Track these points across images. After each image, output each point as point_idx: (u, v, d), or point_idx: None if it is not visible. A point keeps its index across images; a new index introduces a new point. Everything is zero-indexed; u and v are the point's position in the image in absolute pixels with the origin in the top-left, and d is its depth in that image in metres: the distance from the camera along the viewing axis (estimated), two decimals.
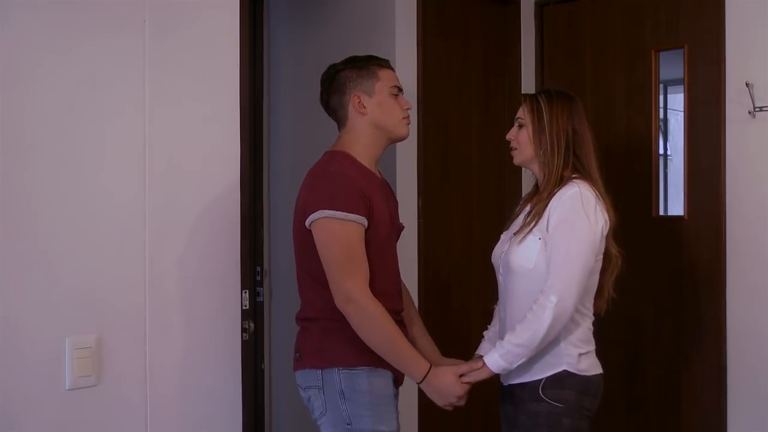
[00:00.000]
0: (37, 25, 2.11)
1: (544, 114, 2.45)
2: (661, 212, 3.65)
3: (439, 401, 2.38)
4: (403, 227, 2.56)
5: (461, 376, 2.36)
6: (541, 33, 3.89)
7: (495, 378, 2.49)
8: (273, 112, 3.85)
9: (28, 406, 2.09)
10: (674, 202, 3.82)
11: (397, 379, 2.41)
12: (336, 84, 2.43)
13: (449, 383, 2.34)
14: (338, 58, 2.49)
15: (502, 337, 2.38)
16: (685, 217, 3.44)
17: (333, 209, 2.25)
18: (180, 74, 2.40)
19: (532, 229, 2.39)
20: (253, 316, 2.75)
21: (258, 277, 3.57)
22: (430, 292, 3.42)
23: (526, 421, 2.39)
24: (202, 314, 2.45)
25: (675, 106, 3.91)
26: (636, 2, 3.59)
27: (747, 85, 3.16)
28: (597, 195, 2.39)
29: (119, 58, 2.26)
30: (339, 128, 2.47)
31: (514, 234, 2.47)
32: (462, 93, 3.66)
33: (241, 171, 2.55)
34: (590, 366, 2.42)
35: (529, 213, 2.45)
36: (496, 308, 2.59)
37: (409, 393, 3.10)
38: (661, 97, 3.67)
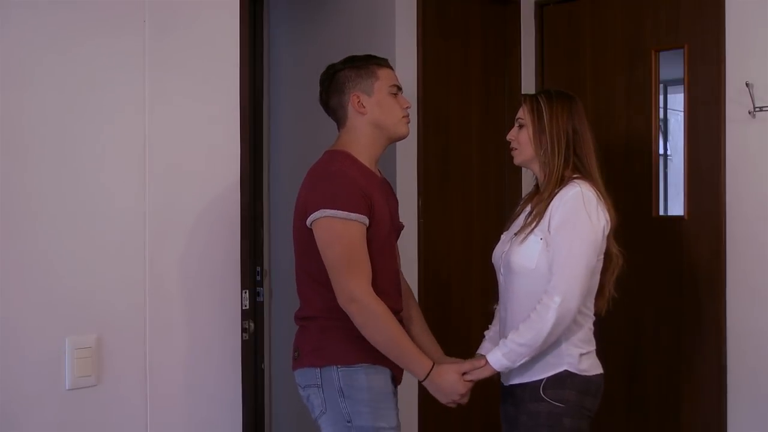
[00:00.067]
0: (37, 25, 2.11)
1: (545, 114, 2.45)
2: (661, 212, 3.65)
3: (443, 399, 2.39)
4: (403, 226, 2.56)
5: (464, 374, 2.37)
6: (541, 33, 3.89)
7: (495, 377, 2.49)
8: (273, 112, 3.85)
9: (28, 406, 2.09)
10: (674, 202, 3.82)
11: (395, 377, 2.41)
12: (335, 84, 2.43)
13: (452, 381, 2.35)
14: (338, 58, 2.49)
15: (504, 337, 2.39)
16: (685, 217, 3.44)
17: (335, 208, 2.25)
18: (180, 74, 2.40)
19: (533, 229, 2.39)
20: (253, 316, 2.75)
21: (258, 277, 3.57)
22: (430, 292, 3.42)
23: (527, 421, 2.39)
24: (202, 314, 2.45)
25: (675, 106, 3.91)
26: (636, 2, 3.59)
27: (747, 85, 3.16)
28: (598, 195, 2.39)
29: (119, 58, 2.26)
30: (339, 128, 2.47)
31: (515, 234, 2.47)
32: (462, 93, 3.66)
33: (241, 171, 2.55)
34: (591, 366, 2.42)
35: (530, 213, 2.46)
36: (497, 308, 2.59)
37: (409, 391, 3.11)
38: (661, 97, 3.67)
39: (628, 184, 3.55)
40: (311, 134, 3.46)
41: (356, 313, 2.27)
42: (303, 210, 2.33)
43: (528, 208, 2.50)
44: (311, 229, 2.30)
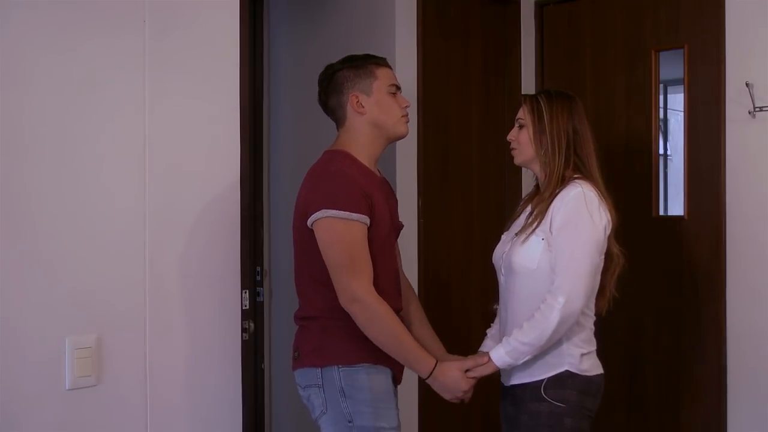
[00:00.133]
0: (37, 25, 2.11)
1: (545, 114, 2.45)
2: (661, 212, 3.65)
3: (446, 395, 2.40)
4: (403, 226, 2.56)
5: (467, 371, 2.37)
6: (541, 33, 3.89)
7: (496, 377, 2.50)
8: (273, 112, 3.85)
9: (28, 406, 2.09)
10: (674, 202, 3.81)
11: (396, 377, 2.42)
12: (334, 84, 2.43)
13: (455, 378, 2.36)
14: (338, 58, 2.49)
15: (505, 336, 2.39)
16: (685, 217, 3.44)
17: (336, 209, 2.25)
18: (180, 74, 2.40)
19: (534, 229, 2.39)
20: (253, 316, 2.75)
21: (258, 277, 3.57)
22: (430, 292, 3.41)
23: (528, 420, 2.39)
24: (202, 314, 2.45)
25: (675, 106, 3.91)
26: (636, 2, 3.59)
27: (747, 85, 3.16)
28: (599, 195, 2.40)
29: (119, 58, 2.26)
30: (338, 128, 2.47)
31: (516, 234, 2.47)
32: (462, 93, 3.66)
33: (241, 171, 2.55)
34: (592, 366, 2.42)
35: (531, 213, 2.46)
36: (497, 308, 2.59)
37: (409, 390, 3.11)
38: (661, 97, 3.66)
39: (628, 184, 3.55)
40: (311, 134, 3.46)
41: (359, 313, 2.27)
42: (303, 210, 2.32)
43: (528, 209, 2.50)
44: (312, 230, 2.30)
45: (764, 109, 3.15)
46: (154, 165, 2.33)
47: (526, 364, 2.37)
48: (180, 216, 2.40)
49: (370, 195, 2.32)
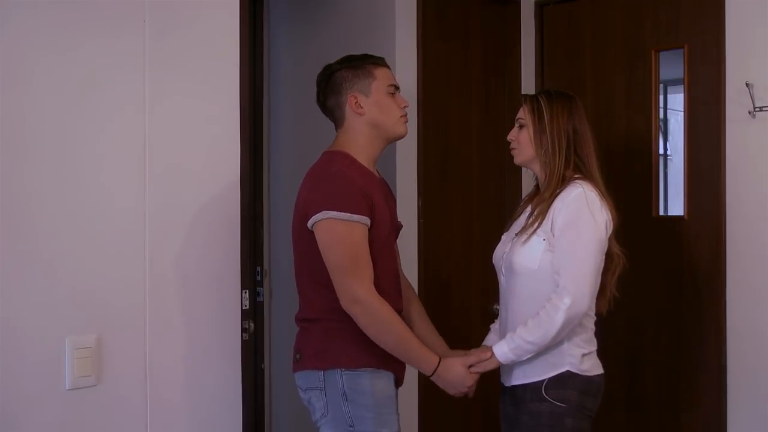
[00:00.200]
0: (37, 25, 2.11)
1: (545, 114, 2.45)
2: (661, 212, 3.65)
3: (451, 391, 2.41)
4: (402, 226, 2.56)
5: (470, 366, 2.38)
6: (541, 33, 3.89)
7: (496, 377, 2.50)
8: (273, 112, 3.84)
9: (28, 406, 2.09)
10: (674, 202, 3.82)
11: (398, 380, 2.42)
12: (332, 84, 2.42)
13: (459, 375, 2.36)
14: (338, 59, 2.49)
15: (505, 334, 2.39)
16: (685, 217, 3.44)
17: (336, 210, 2.25)
18: (180, 74, 2.40)
19: (536, 230, 2.39)
20: (253, 316, 2.75)
21: (258, 277, 3.57)
22: (430, 292, 3.41)
23: (529, 421, 2.39)
24: (202, 314, 2.45)
25: (675, 106, 3.91)
26: (636, 2, 3.59)
27: (747, 85, 3.16)
28: (600, 195, 2.40)
29: (119, 58, 2.26)
30: (336, 128, 2.46)
31: (516, 235, 2.47)
32: (462, 93, 3.66)
33: (241, 171, 2.55)
34: (592, 366, 2.42)
35: (531, 214, 2.46)
36: (498, 308, 2.60)
37: (409, 392, 3.11)
38: (661, 97, 3.67)
39: (628, 184, 3.55)
40: (311, 134, 3.45)
41: (360, 315, 2.26)
42: (304, 212, 2.31)
43: (529, 209, 2.50)
44: (312, 231, 2.29)
45: (764, 109, 3.15)
46: (154, 165, 2.33)
47: (527, 365, 2.38)
48: (180, 216, 2.40)
49: (371, 196, 2.31)
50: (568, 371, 2.37)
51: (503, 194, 3.80)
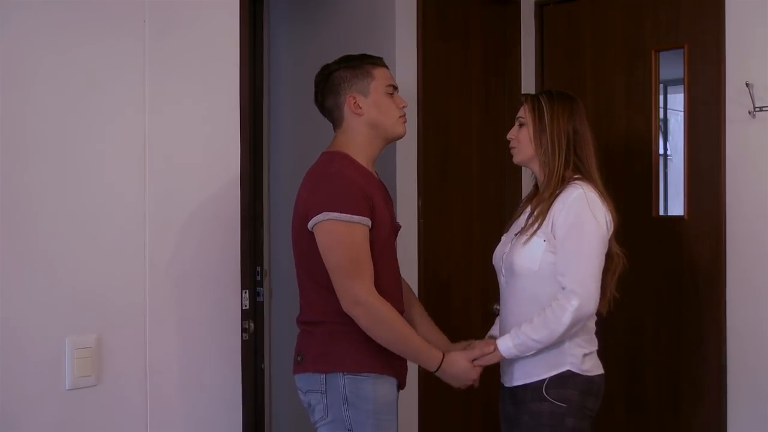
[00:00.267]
0: (38, 26, 2.11)
1: (546, 114, 2.45)
2: (661, 212, 3.65)
3: (455, 384, 2.42)
4: (400, 226, 2.55)
5: (473, 360, 2.38)
6: (541, 33, 3.89)
7: (496, 377, 2.50)
8: (273, 112, 3.85)
9: (28, 406, 2.09)
10: (674, 202, 3.82)
11: (401, 385, 2.41)
12: (330, 85, 2.41)
13: (464, 369, 2.37)
14: None
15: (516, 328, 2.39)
16: (685, 217, 3.44)
17: (337, 211, 2.23)
18: (180, 74, 2.40)
19: (536, 231, 2.39)
20: (253, 316, 2.75)
21: (258, 277, 3.57)
22: (430, 292, 3.41)
23: (529, 420, 2.39)
24: (202, 314, 2.45)
25: (675, 106, 3.91)
26: (636, 2, 3.59)
27: (747, 85, 3.16)
28: (600, 195, 2.40)
29: (119, 58, 2.26)
30: (334, 128, 2.45)
31: (516, 235, 2.47)
32: (462, 93, 3.66)
33: (240, 171, 2.55)
34: (593, 366, 2.42)
35: (531, 214, 2.46)
36: (497, 308, 2.60)
37: (409, 394, 3.10)
38: (661, 97, 3.66)
39: (628, 184, 3.55)
40: (311, 134, 3.45)
41: (362, 316, 2.25)
42: (304, 213, 2.30)
43: (528, 209, 2.50)
44: (312, 232, 2.28)
45: (764, 109, 3.15)
46: (154, 164, 2.33)
47: (528, 365, 2.38)
48: (180, 216, 2.40)
49: (371, 196, 2.30)
50: (569, 371, 2.37)
51: (503, 194, 3.80)
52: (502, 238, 2.58)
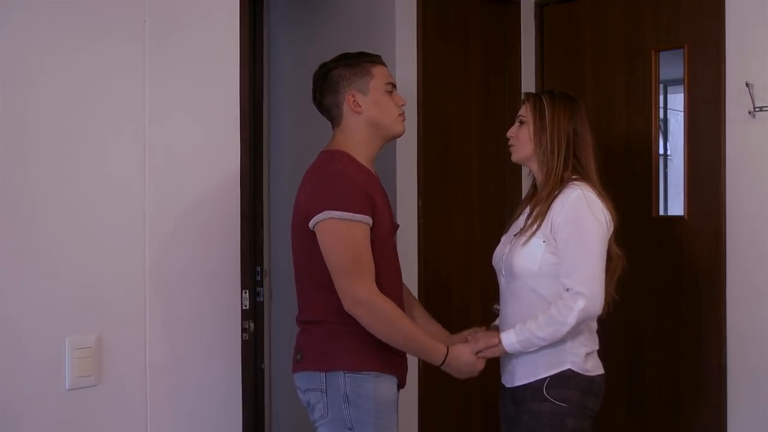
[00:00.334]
0: (38, 26, 2.11)
1: (546, 113, 2.45)
2: (661, 212, 3.65)
3: (460, 376, 2.42)
4: (398, 226, 2.55)
5: (477, 352, 2.39)
6: (541, 33, 3.89)
7: (496, 377, 2.50)
8: (273, 112, 3.85)
9: (28, 406, 2.09)
10: (674, 202, 3.82)
11: (401, 383, 2.41)
12: (329, 83, 2.40)
13: (469, 361, 2.38)
14: None
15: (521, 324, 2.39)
16: (685, 217, 3.44)
17: (338, 210, 2.22)
18: (180, 74, 2.40)
19: (535, 231, 2.39)
20: (253, 316, 2.75)
21: (258, 277, 3.57)
22: (430, 292, 3.41)
23: (529, 420, 2.39)
24: (202, 314, 2.45)
25: (675, 106, 3.91)
26: (636, 2, 3.59)
27: (747, 85, 3.16)
28: (599, 195, 2.40)
29: (119, 59, 2.26)
30: (333, 127, 2.45)
31: (515, 236, 2.47)
32: (462, 93, 3.66)
33: (240, 170, 2.55)
34: (594, 366, 2.42)
35: (530, 215, 2.45)
36: (497, 308, 2.60)
37: (409, 393, 3.10)
38: (661, 97, 3.67)
39: (628, 184, 3.55)
40: (311, 134, 3.44)
41: (364, 315, 2.24)
42: (304, 212, 2.29)
43: (527, 210, 2.50)
44: (313, 232, 2.27)
45: (764, 109, 3.15)
46: (154, 165, 2.33)
47: (530, 365, 2.39)
48: (180, 216, 2.40)
49: (372, 195, 2.30)
50: (569, 370, 2.37)
51: (503, 194, 3.80)
52: (502, 238, 2.58)
